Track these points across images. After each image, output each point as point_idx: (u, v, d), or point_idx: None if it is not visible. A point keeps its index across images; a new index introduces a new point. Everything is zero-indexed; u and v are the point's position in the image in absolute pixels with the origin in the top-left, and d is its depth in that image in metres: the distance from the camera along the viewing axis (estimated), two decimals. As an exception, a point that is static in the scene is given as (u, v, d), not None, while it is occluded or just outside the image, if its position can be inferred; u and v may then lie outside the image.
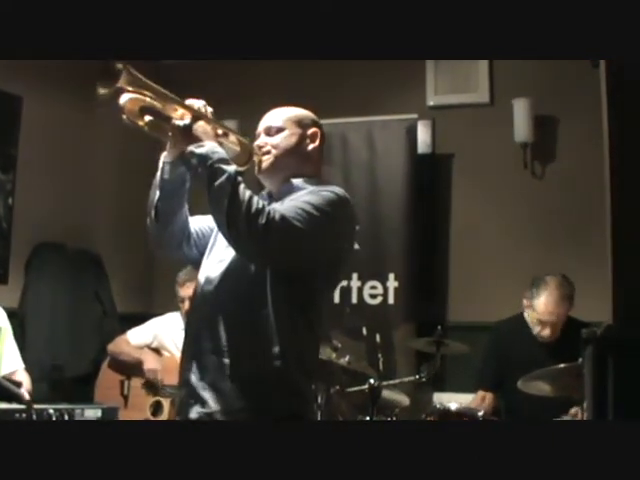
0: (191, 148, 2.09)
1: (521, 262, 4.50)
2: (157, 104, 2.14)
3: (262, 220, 2.00)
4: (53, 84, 4.62)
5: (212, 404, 2.08)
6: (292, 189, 2.26)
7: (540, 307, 3.70)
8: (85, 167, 4.96)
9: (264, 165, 2.28)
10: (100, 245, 4.96)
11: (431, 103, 4.90)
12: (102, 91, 2.03)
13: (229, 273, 2.18)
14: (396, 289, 4.57)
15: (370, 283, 4.63)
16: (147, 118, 2.13)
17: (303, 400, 2.16)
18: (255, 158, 2.28)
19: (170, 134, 2.16)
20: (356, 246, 4.58)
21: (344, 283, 4.65)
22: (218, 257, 2.24)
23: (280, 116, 2.34)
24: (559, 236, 4.52)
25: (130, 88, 2.06)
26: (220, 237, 2.24)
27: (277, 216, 2.03)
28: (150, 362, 4.23)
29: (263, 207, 2.03)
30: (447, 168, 4.84)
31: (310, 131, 2.35)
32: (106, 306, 4.84)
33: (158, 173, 2.24)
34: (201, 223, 2.36)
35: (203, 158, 2.06)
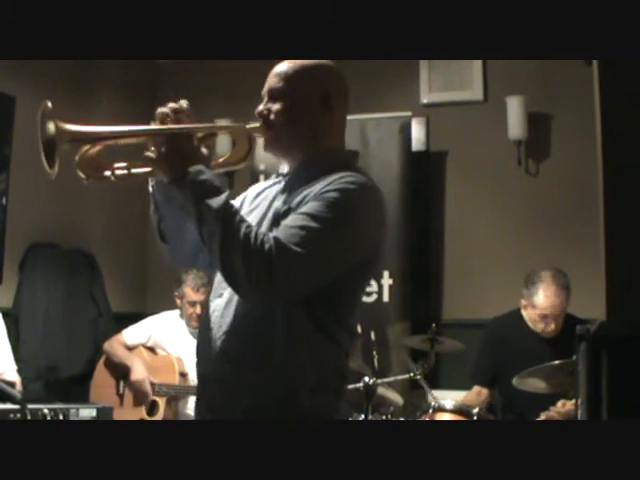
0: (172, 184, 1.79)
1: (515, 259, 4.51)
2: (118, 143, 1.86)
3: (263, 261, 1.70)
4: (46, 84, 4.60)
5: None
6: (310, 174, 1.89)
7: (540, 302, 3.69)
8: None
9: (269, 140, 1.92)
10: (94, 245, 4.95)
11: (425, 101, 4.90)
12: (50, 167, 1.77)
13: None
14: (391, 287, 4.57)
15: (365, 281, 4.63)
16: (115, 169, 1.85)
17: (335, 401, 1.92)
18: (258, 128, 1.91)
19: (147, 171, 1.86)
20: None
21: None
22: None
23: (284, 74, 1.92)
24: (553, 233, 4.52)
25: (72, 144, 1.82)
26: None
27: (279, 249, 1.72)
28: (137, 372, 4.20)
29: (262, 244, 1.72)
30: (441, 166, 4.84)
31: (322, 90, 1.92)
32: (100, 306, 4.84)
33: (151, 193, 1.97)
34: None
35: (186, 195, 1.76)
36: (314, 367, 1.86)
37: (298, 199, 1.88)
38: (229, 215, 1.75)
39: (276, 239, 1.74)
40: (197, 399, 2.05)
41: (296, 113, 1.91)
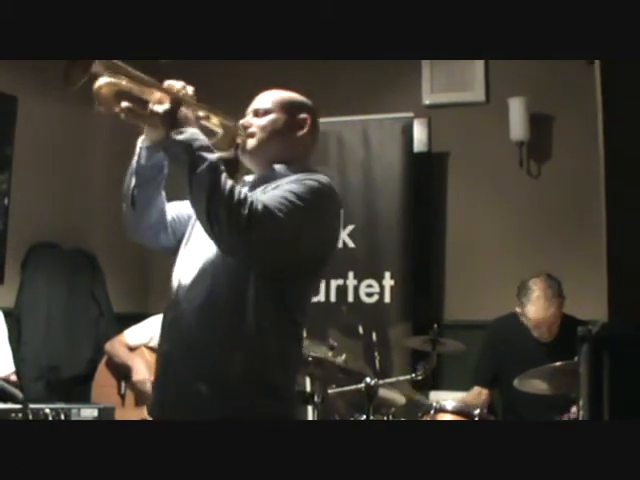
0: (172, 135, 1.99)
1: (517, 260, 4.51)
2: (133, 88, 2.03)
3: (244, 211, 1.89)
4: (48, 84, 4.60)
5: (192, 409, 2.01)
6: (275, 175, 2.16)
7: (531, 314, 3.71)
8: (81, 167, 4.96)
9: (248, 147, 2.18)
10: (96, 245, 4.95)
11: (427, 102, 4.90)
12: (75, 79, 1.94)
13: (208, 266, 2.08)
14: (392, 288, 4.57)
15: (366, 282, 4.63)
16: (124, 104, 2.02)
17: (286, 403, 2.07)
18: (239, 139, 2.19)
19: (148, 120, 2.06)
20: (352, 244, 4.65)
21: (340, 282, 4.65)
22: (196, 247, 2.15)
23: (270, 98, 2.25)
24: (555, 234, 4.52)
25: (104, 73, 1.98)
26: (198, 225, 2.10)
27: (259, 207, 1.92)
28: (138, 372, 4.20)
29: (245, 197, 1.92)
30: (443, 167, 4.84)
31: (300, 116, 2.24)
32: (102, 306, 4.84)
33: (135, 158, 2.16)
34: (178, 209, 2.27)
35: (183, 145, 1.97)
36: (279, 349, 2.05)
37: (272, 186, 2.09)
38: (219, 169, 1.96)
39: (257, 199, 1.95)
40: (158, 378, 2.15)
41: (275, 130, 2.20)
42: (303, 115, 2.25)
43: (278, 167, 2.17)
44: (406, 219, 4.61)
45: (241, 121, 2.21)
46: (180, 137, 1.98)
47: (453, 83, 4.85)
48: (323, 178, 2.12)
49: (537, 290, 3.70)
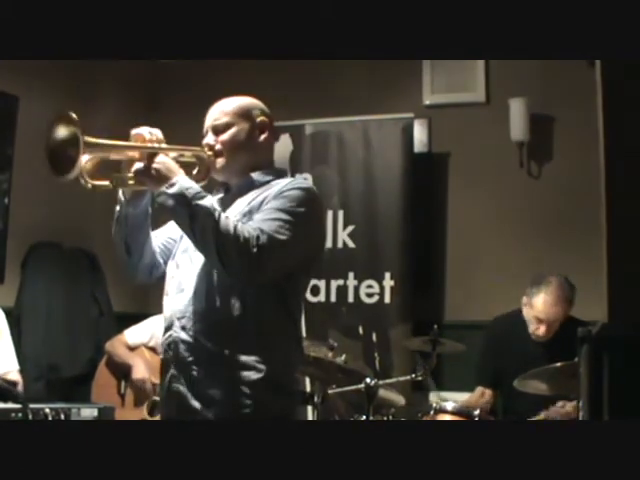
0: (162, 189, 2.04)
1: (517, 261, 4.51)
2: (111, 154, 2.11)
3: (253, 247, 1.99)
4: (49, 83, 4.61)
5: (202, 412, 2.07)
6: (252, 183, 2.24)
7: (538, 304, 3.70)
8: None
9: (219, 166, 2.25)
10: (96, 245, 4.95)
11: (427, 102, 4.90)
12: (68, 171, 1.98)
13: (205, 271, 2.15)
14: (392, 288, 4.57)
15: (366, 282, 4.64)
16: (115, 175, 2.11)
17: (290, 402, 2.15)
18: (206, 157, 2.24)
19: (136, 182, 2.10)
20: (352, 245, 4.65)
21: (340, 282, 4.66)
22: (187, 261, 2.21)
23: (225, 111, 2.29)
24: (555, 235, 4.52)
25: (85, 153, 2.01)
26: (185, 241, 2.20)
27: (264, 239, 2.01)
28: (138, 371, 4.20)
29: (249, 234, 2.01)
30: (443, 167, 4.84)
31: (258, 121, 2.29)
32: (102, 306, 4.84)
33: (120, 209, 2.21)
34: (163, 238, 2.34)
35: (178, 198, 2.02)
36: (285, 351, 2.14)
37: (258, 200, 2.17)
38: (219, 214, 2.03)
39: (261, 229, 2.03)
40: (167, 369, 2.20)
41: (240, 141, 2.26)
42: (261, 119, 2.31)
43: (254, 175, 2.25)
44: (406, 219, 4.61)
45: (204, 141, 2.27)
46: (172, 190, 2.03)
47: (453, 84, 4.85)
48: (301, 183, 2.24)
49: (552, 285, 3.70)
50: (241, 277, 2.06)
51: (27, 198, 4.54)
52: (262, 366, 2.08)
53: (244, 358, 2.08)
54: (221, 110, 2.29)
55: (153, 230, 2.32)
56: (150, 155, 2.08)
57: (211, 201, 2.06)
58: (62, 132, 2.00)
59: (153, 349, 4.37)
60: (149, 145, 2.11)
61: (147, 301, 5.20)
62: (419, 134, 4.79)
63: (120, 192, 2.20)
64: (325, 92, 4.96)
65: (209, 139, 2.26)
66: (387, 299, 4.58)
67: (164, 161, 2.08)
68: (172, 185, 2.04)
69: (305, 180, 2.24)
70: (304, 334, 4.47)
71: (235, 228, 2.00)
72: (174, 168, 2.08)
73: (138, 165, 2.07)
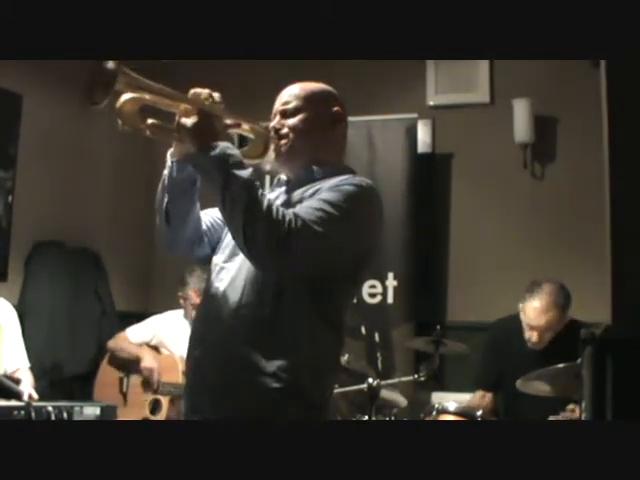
0: (202, 150, 1.90)
1: (520, 262, 4.51)
2: (158, 102, 1.97)
3: (283, 228, 1.82)
4: (53, 82, 4.62)
5: (223, 413, 1.94)
6: (312, 177, 2.06)
7: (529, 311, 3.68)
8: (85, 165, 4.96)
9: (282, 150, 2.09)
10: (99, 243, 4.96)
11: (431, 103, 4.90)
12: (99, 98, 1.87)
13: (241, 271, 2.00)
14: (395, 288, 4.57)
15: (369, 282, 4.63)
16: (149, 121, 1.96)
17: (317, 411, 1.99)
18: (272, 142, 2.10)
19: (176, 135, 1.98)
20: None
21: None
22: (229, 251, 2.08)
23: (297, 94, 2.12)
24: (558, 236, 4.52)
25: (126, 89, 1.90)
26: None
27: (298, 223, 1.85)
28: (147, 360, 4.24)
29: (284, 215, 1.85)
30: (447, 168, 4.84)
31: (333, 110, 2.13)
32: (105, 304, 4.85)
33: (166, 172, 2.07)
34: (213, 217, 2.18)
35: (216, 163, 1.88)
36: (316, 358, 1.96)
37: (311, 191, 2.01)
38: (254, 186, 1.87)
39: (296, 214, 1.87)
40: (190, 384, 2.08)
41: (309, 128, 2.09)
42: (335, 108, 2.14)
43: (316, 169, 2.08)
44: (409, 220, 4.61)
45: (271, 124, 2.12)
46: (212, 153, 1.89)
47: (457, 84, 4.85)
48: (362, 180, 2.04)
49: (543, 292, 3.68)
50: (264, 261, 1.89)
51: (31, 197, 4.55)
52: (284, 374, 1.91)
53: (264, 363, 1.92)
54: (292, 93, 2.13)
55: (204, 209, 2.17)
56: (202, 113, 1.94)
57: (250, 172, 1.89)
58: (106, 64, 1.87)
59: (155, 348, 4.38)
60: (202, 99, 1.99)
61: (149, 300, 5.22)
62: (423, 134, 4.79)
63: (168, 154, 2.06)
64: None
65: (276, 122, 2.11)
66: (390, 299, 4.58)
67: (214, 123, 1.94)
68: (214, 148, 1.89)
69: (366, 180, 2.05)
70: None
71: (269, 207, 1.84)
72: (221, 132, 1.95)
73: (185, 120, 1.94)
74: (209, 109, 1.98)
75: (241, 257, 2.00)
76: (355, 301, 4.57)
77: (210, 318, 2.04)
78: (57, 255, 4.72)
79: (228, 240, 2.10)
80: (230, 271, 2.04)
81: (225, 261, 2.08)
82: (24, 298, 4.54)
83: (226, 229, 2.10)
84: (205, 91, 2.02)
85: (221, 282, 2.04)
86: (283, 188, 2.14)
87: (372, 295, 4.63)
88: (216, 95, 2.03)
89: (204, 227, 2.16)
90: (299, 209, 1.92)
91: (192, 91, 2.02)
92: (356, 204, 1.96)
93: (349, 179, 2.03)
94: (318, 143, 2.10)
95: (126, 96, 1.93)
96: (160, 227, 2.13)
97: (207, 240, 2.17)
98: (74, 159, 4.88)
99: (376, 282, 4.61)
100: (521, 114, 4.56)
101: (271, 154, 2.12)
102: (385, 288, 4.59)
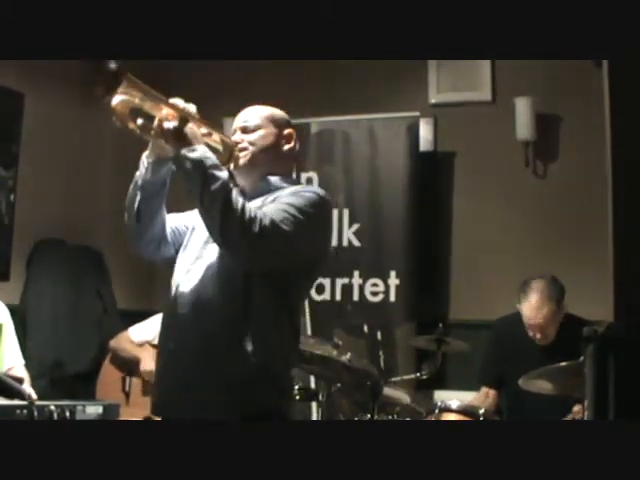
0: (184, 152, 2.08)
1: (522, 260, 4.50)
2: (144, 105, 2.12)
3: (256, 228, 2.03)
4: (55, 81, 4.61)
5: (194, 405, 2.11)
6: (270, 187, 2.29)
7: (525, 311, 3.69)
8: (86, 164, 4.96)
9: (241, 161, 2.29)
10: (101, 242, 4.96)
11: (433, 101, 4.89)
12: (101, 96, 2.02)
13: (209, 271, 2.20)
14: (397, 287, 4.57)
15: (371, 280, 4.63)
16: (139, 121, 2.12)
17: (284, 394, 2.19)
18: (235, 150, 2.29)
19: (159, 136, 2.14)
20: (357, 243, 4.65)
21: (345, 280, 4.66)
22: (195, 254, 2.27)
23: (257, 114, 2.36)
24: (560, 234, 4.51)
25: (123, 91, 2.05)
26: (197, 234, 2.28)
27: (268, 222, 2.06)
28: (147, 363, 4.21)
29: (256, 215, 2.06)
30: (449, 166, 4.83)
31: (286, 131, 2.37)
32: (107, 303, 4.85)
33: (140, 172, 2.26)
34: (177, 222, 2.38)
35: (196, 163, 2.06)
36: (283, 347, 2.18)
37: (271, 199, 2.22)
38: (231, 188, 2.07)
39: (265, 214, 2.08)
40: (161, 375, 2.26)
41: (266, 144, 2.33)
42: (288, 130, 2.38)
43: (273, 179, 2.31)
44: (411, 218, 4.61)
45: (232, 138, 2.32)
46: (192, 155, 2.07)
47: (459, 82, 4.84)
48: (318, 190, 2.29)
49: (534, 290, 3.68)
50: (237, 254, 2.10)
51: (33, 195, 4.55)
52: (254, 358, 2.10)
53: (236, 353, 2.11)
54: (253, 113, 2.36)
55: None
56: (182, 119, 2.11)
57: (228, 174, 2.10)
58: (112, 65, 2.01)
59: (157, 347, 4.37)
60: (182, 106, 2.16)
61: (151, 299, 5.21)
62: (425, 133, 4.78)
63: (143, 157, 2.25)
64: (331, 90, 4.96)
65: (237, 137, 2.32)
66: (392, 298, 4.58)
67: (194, 128, 2.13)
68: (194, 150, 2.08)
69: (321, 189, 2.32)
70: (309, 332, 4.51)
71: (244, 206, 2.05)
72: (199, 137, 2.14)
73: (168, 123, 2.10)
74: (188, 116, 2.16)
75: (207, 259, 2.21)
76: (357, 299, 4.64)
77: (179, 316, 2.22)
78: (59, 253, 4.72)
79: (194, 243, 2.30)
80: (197, 272, 2.22)
81: (192, 263, 2.26)
82: (26, 297, 4.54)
83: (189, 233, 2.35)
84: (180, 100, 2.19)
85: (189, 282, 2.22)
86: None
87: (374, 293, 4.63)
88: (191, 106, 2.21)
89: (169, 230, 2.36)
90: (267, 209, 2.13)
91: (172, 100, 2.17)
92: (316, 209, 2.20)
93: (307, 187, 2.31)
94: (273, 158, 2.33)
95: (118, 97, 2.06)
96: (129, 225, 2.31)
97: (171, 242, 2.37)
98: (76, 157, 4.88)
99: (378, 280, 4.62)
100: (523, 112, 4.55)
101: (231, 165, 2.29)
102: (387, 286, 4.59)
